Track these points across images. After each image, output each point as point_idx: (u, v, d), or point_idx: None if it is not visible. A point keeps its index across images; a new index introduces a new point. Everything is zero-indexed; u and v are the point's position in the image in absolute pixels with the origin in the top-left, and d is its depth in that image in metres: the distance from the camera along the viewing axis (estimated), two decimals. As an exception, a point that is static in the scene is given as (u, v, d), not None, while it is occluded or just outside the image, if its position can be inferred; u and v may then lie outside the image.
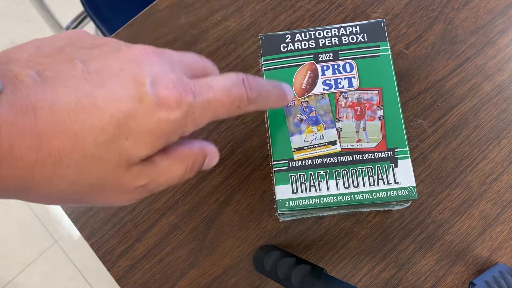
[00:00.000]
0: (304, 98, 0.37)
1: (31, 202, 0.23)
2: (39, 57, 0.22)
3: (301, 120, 0.36)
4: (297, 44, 0.38)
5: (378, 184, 0.35)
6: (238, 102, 0.26)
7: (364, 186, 0.35)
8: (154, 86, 0.22)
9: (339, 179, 0.35)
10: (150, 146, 0.23)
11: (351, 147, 0.36)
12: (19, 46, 0.23)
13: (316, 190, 0.35)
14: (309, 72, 0.37)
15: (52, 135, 0.21)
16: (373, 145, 0.35)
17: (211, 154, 0.29)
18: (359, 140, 0.36)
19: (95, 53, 0.23)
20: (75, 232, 1.29)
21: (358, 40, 0.38)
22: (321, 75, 0.37)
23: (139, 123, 0.22)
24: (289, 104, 0.37)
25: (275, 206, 0.35)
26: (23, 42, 0.24)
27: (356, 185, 0.35)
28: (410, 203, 0.40)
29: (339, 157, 0.35)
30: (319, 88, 0.37)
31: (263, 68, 0.38)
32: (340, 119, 0.36)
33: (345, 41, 0.38)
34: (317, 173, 0.35)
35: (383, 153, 0.35)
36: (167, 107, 0.23)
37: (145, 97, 0.22)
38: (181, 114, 0.23)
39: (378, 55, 0.37)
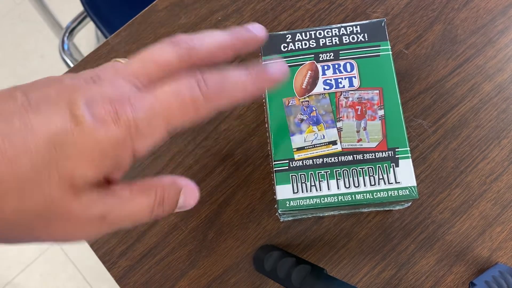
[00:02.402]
0: (304, 98, 0.37)
1: None
2: None
3: (302, 120, 0.36)
4: (298, 44, 0.38)
5: (379, 184, 0.35)
6: (191, 102, 0.23)
7: (365, 186, 0.35)
8: (89, 107, 0.22)
9: (339, 179, 0.35)
10: (93, 166, 0.22)
11: (351, 147, 0.36)
12: None
13: (316, 190, 0.35)
14: (309, 72, 0.37)
15: None
16: (373, 144, 0.35)
17: (187, 190, 0.26)
18: (359, 140, 0.36)
19: (38, 85, 0.24)
20: (75, 232, 1.29)
21: (359, 40, 0.38)
22: (322, 75, 0.37)
23: (77, 144, 0.22)
24: (290, 104, 0.37)
25: (275, 206, 0.35)
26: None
27: (356, 185, 0.35)
28: (410, 203, 0.40)
29: (339, 157, 0.35)
30: (319, 88, 0.37)
31: (264, 68, 0.38)
32: (340, 118, 0.36)
33: (346, 40, 0.38)
34: (318, 173, 0.35)
35: (383, 152, 0.35)
36: (103, 124, 0.22)
37: (79, 118, 0.22)
38: (121, 130, 0.22)
39: (379, 55, 0.37)
